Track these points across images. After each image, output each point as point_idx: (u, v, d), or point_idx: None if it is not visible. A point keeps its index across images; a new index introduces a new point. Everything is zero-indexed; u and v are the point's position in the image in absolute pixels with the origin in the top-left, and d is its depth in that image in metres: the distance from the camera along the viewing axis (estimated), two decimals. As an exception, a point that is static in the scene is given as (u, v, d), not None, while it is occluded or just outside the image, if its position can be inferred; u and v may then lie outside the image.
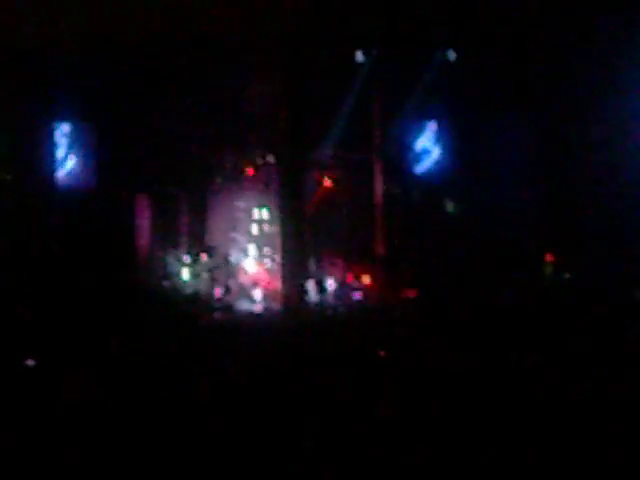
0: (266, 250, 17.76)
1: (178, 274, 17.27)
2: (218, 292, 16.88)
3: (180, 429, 8.16)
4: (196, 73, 16.52)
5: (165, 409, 8.85)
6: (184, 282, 17.19)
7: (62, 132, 16.96)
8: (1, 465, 7.37)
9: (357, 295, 16.97)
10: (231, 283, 17.22)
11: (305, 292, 15.90)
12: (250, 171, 17.98)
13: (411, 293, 16.92)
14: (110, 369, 10.77)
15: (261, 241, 17.91)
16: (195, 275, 17.25)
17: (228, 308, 16.41)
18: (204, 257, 17.46)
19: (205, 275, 17.29)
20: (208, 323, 15.51)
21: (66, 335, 12.58)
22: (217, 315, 16.04)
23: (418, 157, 18.59)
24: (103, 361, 11.23)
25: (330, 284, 17.10)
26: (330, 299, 16.84)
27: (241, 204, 18.07)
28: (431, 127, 18.53)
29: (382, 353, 11.44)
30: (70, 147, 17.08)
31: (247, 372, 10.40)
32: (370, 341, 12.17)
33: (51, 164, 16.78)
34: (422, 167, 18.63)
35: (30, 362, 11.38)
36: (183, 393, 9.35)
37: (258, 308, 16.59)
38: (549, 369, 9.80)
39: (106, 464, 7.47)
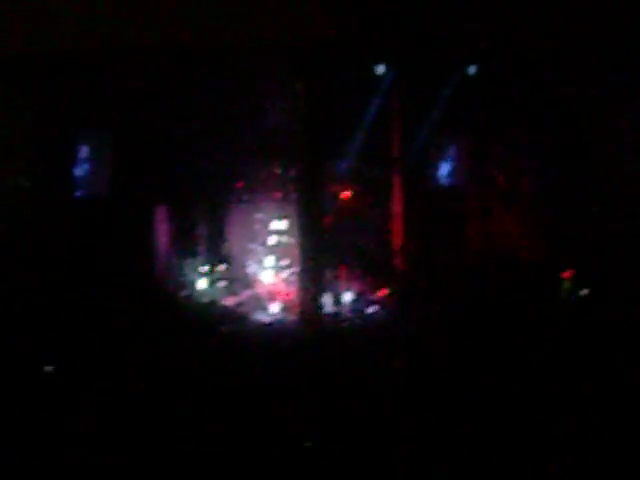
0: (284, 261, 17.77)
1: (195, 284, 17.30)
2: (232, 301, 16.94)
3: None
4: (216, 83, 16.57)
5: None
6: (201, 292, 17.24)
7: (80, 140, 17.02)
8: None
9: (373, 308, 16.94)
10: (248, 294, 17.28)
11: (321, 304, 15.88)
12: (269, 182, 18.03)
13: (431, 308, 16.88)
14: (126, 376, 10.82)
15: (279, 252, 17.91)
16: (212, 285, 17.30)
17: (242, 318, 16.41)
18: (221, 267, 17.52)
19: (222, 285, 17.35)
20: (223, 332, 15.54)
21: (84, 343, 12.64)
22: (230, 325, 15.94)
23: (438, 171, 18.59)
24: (119, 368, 11.28)
25: (347, 297, 17.10)
26: (346, 311, 16.85)
27: (260, 215, 18.07)
28: (452, 141, 18.55)
29: (397, 364, 11.43)
30: (88, 155, 17.14)
31: (259, 382, 10.42)
32: (385, 352, 12.16)
33: (69, 172, 16.88)
34: (442, 181, 18.63)
35: (48, 368, 11.42)
36: (194, 400, 9.36)
37: (273, 319, 16.56)
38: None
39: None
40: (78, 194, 17.15)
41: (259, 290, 17.49)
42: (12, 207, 16.25)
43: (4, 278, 15.07)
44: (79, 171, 17.10)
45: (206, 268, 17.47)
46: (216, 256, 17.74)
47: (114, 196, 17.28)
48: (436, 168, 18.52)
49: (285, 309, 16.77)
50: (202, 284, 17.37)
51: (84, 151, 17.19)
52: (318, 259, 15.80)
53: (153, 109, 16.82)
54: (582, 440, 8.03)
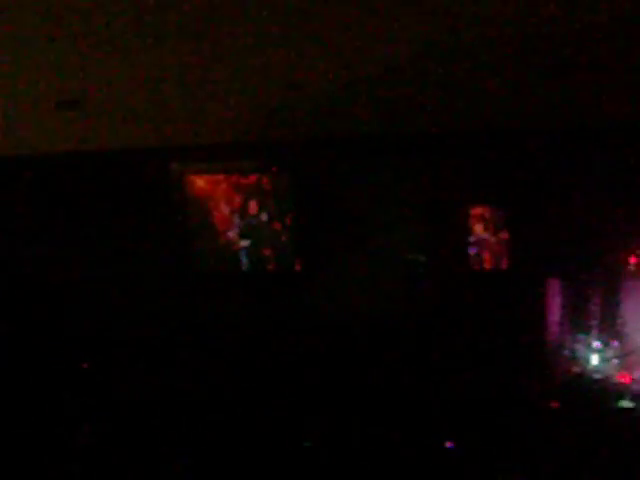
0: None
1: (587, 360, 17.15)
2: (628, 379, 16.55)
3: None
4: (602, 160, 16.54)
5: None
6: (593, 368, 17.05)
7: (473, 215, 17.70)
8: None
9: None
10: (641, 371, 16.85)
11: None
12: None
13: None
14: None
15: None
16: (605, 361, 17.04)
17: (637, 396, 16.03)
18: (615, 343, 17.20)
19: (615, 362, 17.03)
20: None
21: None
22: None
23: None
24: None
25: None
26: None
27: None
28: None
29: None
30: (484, 230, 17.75)
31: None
32: None
33: (464, 246, 17.59)
34: None
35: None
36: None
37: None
38: None
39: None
40: (472, 267, 17.79)
41: (654, 368, 16.95)
42: (411, 280, 17.31)
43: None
44: (474, 245, 17.77)
45: (599, 344, 17.25)
46: (609, 332, 17.43)
47: (508, 269, 17.70)
48: None
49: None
50: (595, 360, 17.19)
51: (480, 226, 17.82)
52: None
53: (544, 185, 17.10)
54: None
